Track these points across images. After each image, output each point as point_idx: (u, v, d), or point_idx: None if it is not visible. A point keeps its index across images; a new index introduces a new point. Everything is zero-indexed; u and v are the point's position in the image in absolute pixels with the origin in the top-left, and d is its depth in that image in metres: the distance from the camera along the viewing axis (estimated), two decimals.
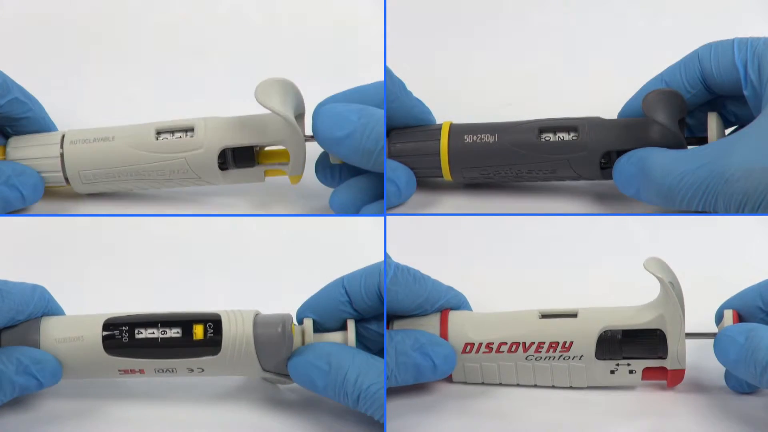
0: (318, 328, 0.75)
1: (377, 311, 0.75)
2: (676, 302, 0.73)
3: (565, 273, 0.89)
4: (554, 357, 0.75)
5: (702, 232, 0.90)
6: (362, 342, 0.76)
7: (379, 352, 0.75)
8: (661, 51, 0.85)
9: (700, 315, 0.76)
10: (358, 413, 0.72)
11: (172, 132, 0.79)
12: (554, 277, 0.89)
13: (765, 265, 0.88)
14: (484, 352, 0.76)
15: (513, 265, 0.91)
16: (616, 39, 0.94)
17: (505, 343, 0.75)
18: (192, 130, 0.78)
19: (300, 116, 0.79)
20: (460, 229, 0.92)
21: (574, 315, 0.75)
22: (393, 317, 0.76)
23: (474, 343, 0.75)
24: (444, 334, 0.76)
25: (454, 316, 0.76)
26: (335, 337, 0.74)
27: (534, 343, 0.75)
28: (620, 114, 0.81)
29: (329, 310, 0.74)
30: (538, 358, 0.75)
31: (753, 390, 0.75)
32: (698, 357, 0.77)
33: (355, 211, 0.78)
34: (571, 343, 0.74)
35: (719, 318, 0.75)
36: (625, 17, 0.96)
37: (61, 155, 0.80)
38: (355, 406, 0.71)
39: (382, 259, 0.74)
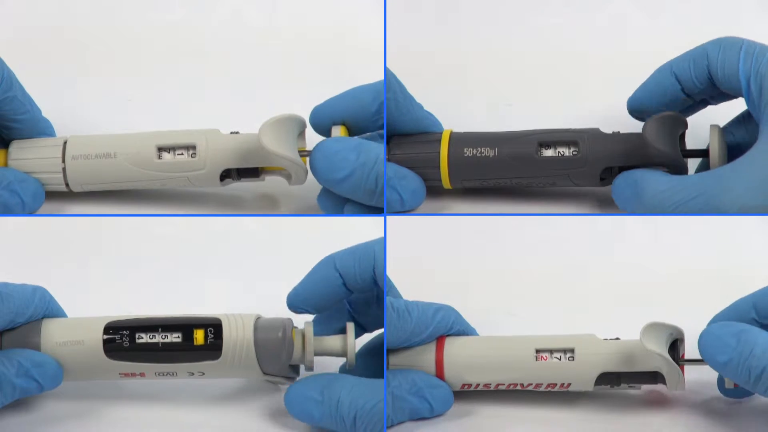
0: (317, 330, 0.75)
1: (371, 292, 0.75)
2: (678, 371, 0.72)
3: (565, 273, 0.89)
4: (552, 390, 0.75)
5: (702, 232, 0.90)
6: (362, 328, 0.76)
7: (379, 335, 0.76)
8: (661, 50, 0.85)
9: (699, 316, 0.75)
10: None
11: (173, 149, 0.78)
12: (554, 277, 0.89)
13: (766, 264, 0.88)
14: (482, 389, 0.76)
15: (513, 265, 0.90)
16: (616, 38, 0.94)
17: (503, 384, 0.75)
18: (194, 148, 0.78)
19: (301, 134, 0.78)
20: (460, 229, 0.92)
21: (571, 352, 0.74)
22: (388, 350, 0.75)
23: (471, 384, 0.75)
24: (440, 374, 0.75)
25: (448, 357, 0.75)
26: (334, 341, 0.74)
27: (532, 383, 0.75)
28: (629, 101, 0.79)
29: (324, 294, 0.74)
30: (537, 390, 0.75)
31: (746, 396, 0.74)
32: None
33: (337, 209, 0.78)
34: (569, 384, 0.74)
35: None
36: (625, 16, 0.95)
37: (63, 170, 0.79)
38: (353, 431, 0.70)
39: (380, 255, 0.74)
